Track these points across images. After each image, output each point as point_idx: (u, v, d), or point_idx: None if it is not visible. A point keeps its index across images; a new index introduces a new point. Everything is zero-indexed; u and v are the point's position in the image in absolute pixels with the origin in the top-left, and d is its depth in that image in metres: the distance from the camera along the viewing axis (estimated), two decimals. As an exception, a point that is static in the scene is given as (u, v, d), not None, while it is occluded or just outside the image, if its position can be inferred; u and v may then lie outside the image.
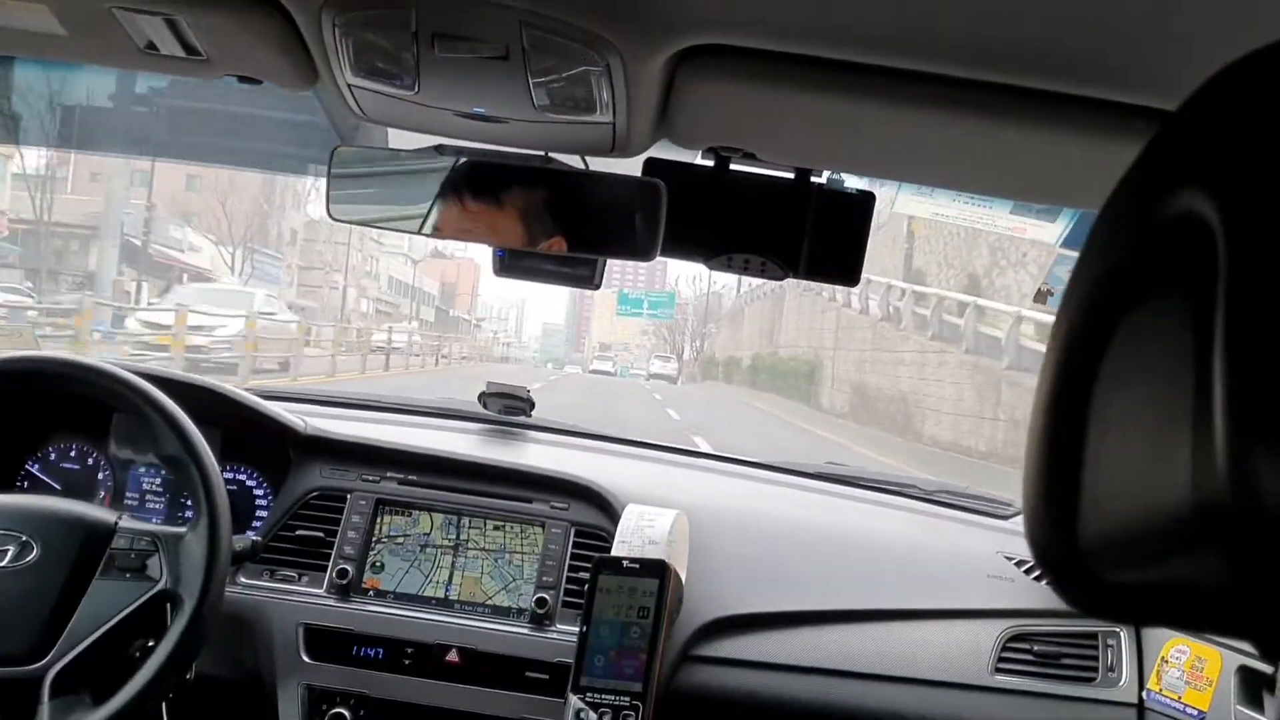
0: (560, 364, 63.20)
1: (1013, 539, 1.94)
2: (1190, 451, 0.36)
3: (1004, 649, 1.67)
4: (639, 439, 2.24)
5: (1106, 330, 0.43)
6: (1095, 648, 1.68)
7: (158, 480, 1.84)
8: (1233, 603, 0.42)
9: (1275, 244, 0.35)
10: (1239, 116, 0.37)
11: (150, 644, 1.44)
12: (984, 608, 1.72)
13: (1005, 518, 2.06)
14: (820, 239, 1.30)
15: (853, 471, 2.22)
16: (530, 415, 2.17)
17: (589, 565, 1.55)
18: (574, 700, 1.44)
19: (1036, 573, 1.80)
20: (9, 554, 1.40)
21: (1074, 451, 0.43)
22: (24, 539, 1.42)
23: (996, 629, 1.69)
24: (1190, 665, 1.57)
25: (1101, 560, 0.43)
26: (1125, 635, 1.69)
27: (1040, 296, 1.63)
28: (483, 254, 1.41)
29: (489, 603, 1.70)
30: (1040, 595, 1.76)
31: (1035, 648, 1.68)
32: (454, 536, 1.75)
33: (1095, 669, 1.66)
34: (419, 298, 56.76)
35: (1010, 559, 1.83)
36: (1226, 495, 0.34)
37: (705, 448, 2.48)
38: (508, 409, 2.15)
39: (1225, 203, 0.36)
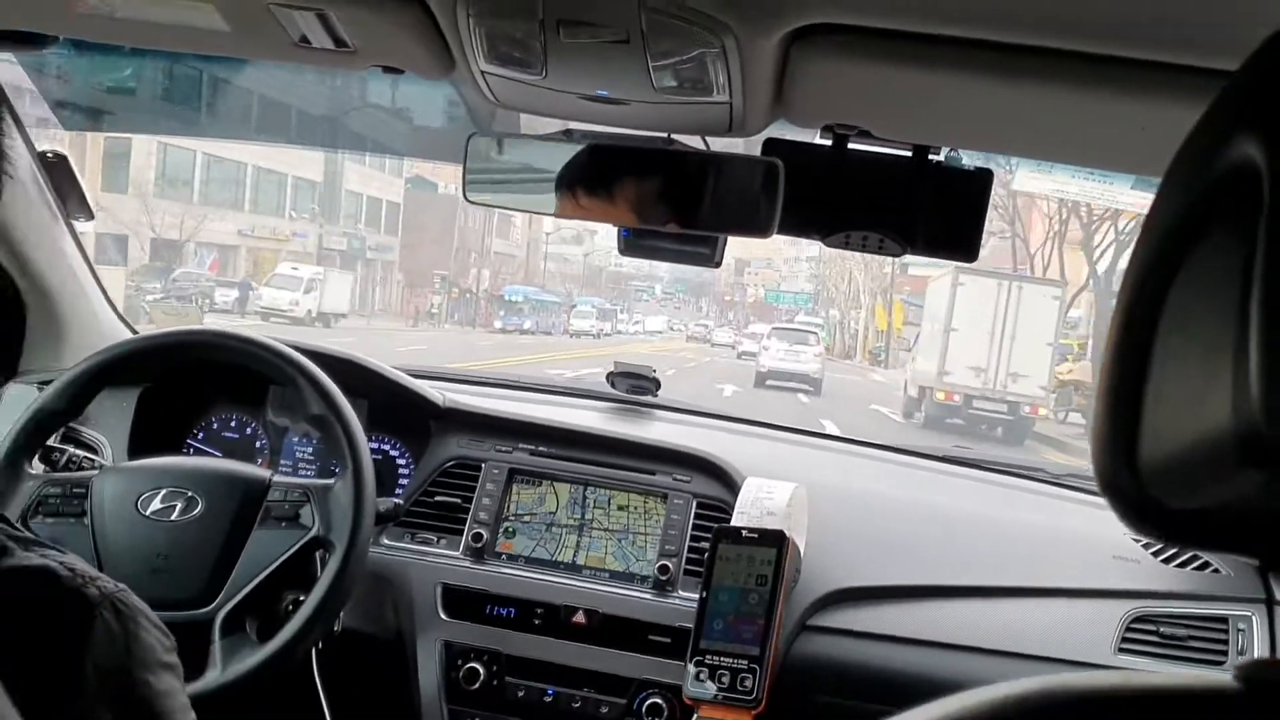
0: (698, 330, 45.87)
1: None
2: (1231, 381, 0.39)
3: (1128, 629, 1.65)
4: (763, 419, 2.28)
5: (1169, 273, 0.46)
6: (1225, 630, 1.65)
7: (309, 449, 1.97)
8: (1276, 525, 0.45)
9: None
10: None
11: (301, 598, 1.57)
12: (1108, 588, 1.71)
13: None
14: (938, 215, 1.32)
15: (978, 455, 2.21)
16: (656, 395, 2.23)
17: (710, 535, 1.60)
18: (692, 665, 1.49)
19: (1165, 555, 1.78)
20: (177, 508, 1.55)
21: (1137, 386, 0.47)
22: (190, 495, 1.56)
23: (1121, 609, 1.67)
24: (1326, 651, 1.52)
25: (1161, 487, 0.47)
26: (1257, 619, 1.65)
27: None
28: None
29: (614, 569, 1.78)
30: (1167, 577, 1.74)
31: (1161, 629, 1.65)
32: (579, 516, 1.82)
33: (1225, 652, 1.63)
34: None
35: (1137, 540, 1.80)
36: (1262, 422, 0.37)
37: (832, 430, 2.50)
38: (634, 389, 2.21)
39: (1273, 147, 0.39)
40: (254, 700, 1.52)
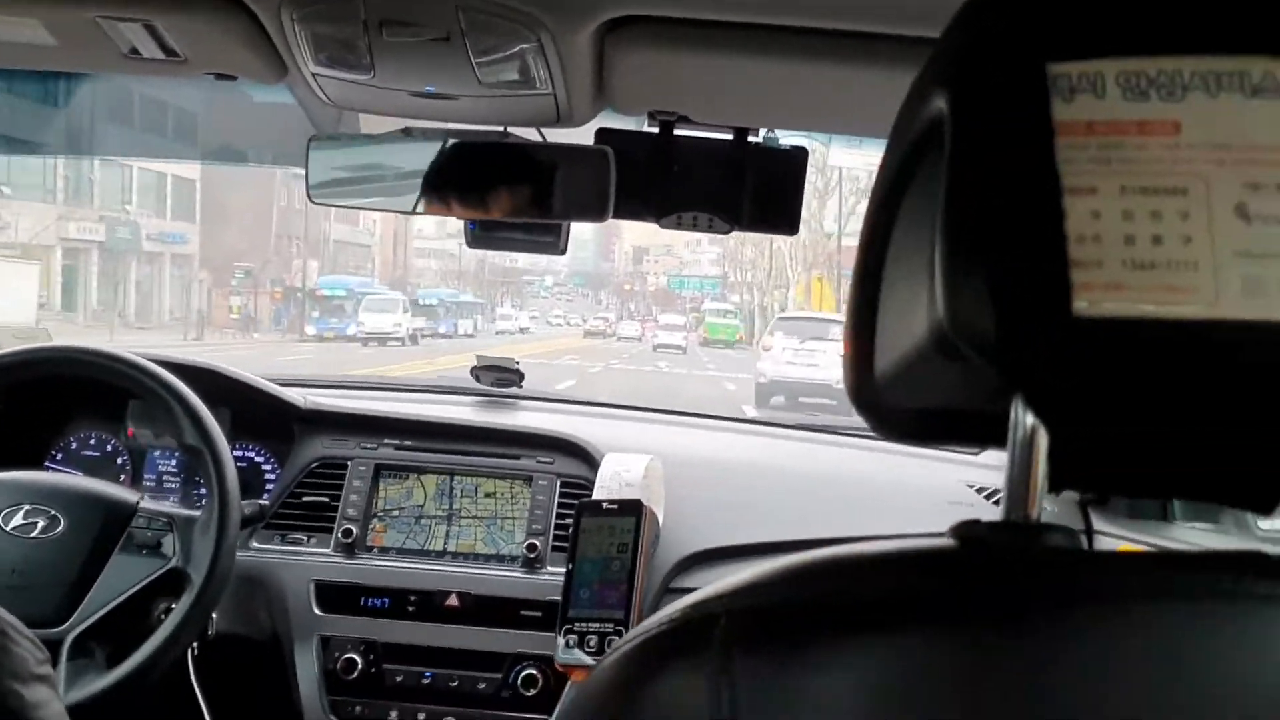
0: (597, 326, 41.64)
1: (979, 471, 2.05)
2: (927, 296, 0.48)
3: None
4: (624, 403, 2.37)
5: (891, 215, 0.55)
6: None
7: (173, 463, 1.97)
8: (975, 415, 0.54)
9: (977, 138, 0.47)
10: (974, 33, 0.49)
11: (172, 606, 1.58)
12: (943, 531, 1.84)
13: (975, 454, 2.18)
14: (760, 194, 1.41)
15: (827, 422, 2.34)
16: (520, 386, 2.29)
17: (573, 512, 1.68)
18: (562, 635, 1.57)
19: (996, 498, 1.92)
20: (38, 526, 1.55)
21: (871, 312, 0.56)
22: (52, 513, 1.56)
23: None
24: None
25: (893, 393, 0.56)
26: None
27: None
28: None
29: (484, 553, 1.84)
30: (996, 516, 1.88)
31: None
32: (447, 506, 1.88)
33: None
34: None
35: (972, 486, 1.95)
36: (946, 322, 0.46)
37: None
38: (499, 381, 2.27)
39: (953, 101, 0.48)
40: (132, 706, 1.53)
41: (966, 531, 0.53)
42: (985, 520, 0.52)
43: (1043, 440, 0.48)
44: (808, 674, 0.48)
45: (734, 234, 1.45)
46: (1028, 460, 0.49)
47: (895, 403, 0.57)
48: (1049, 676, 0.46)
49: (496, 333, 35.66)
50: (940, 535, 0.54)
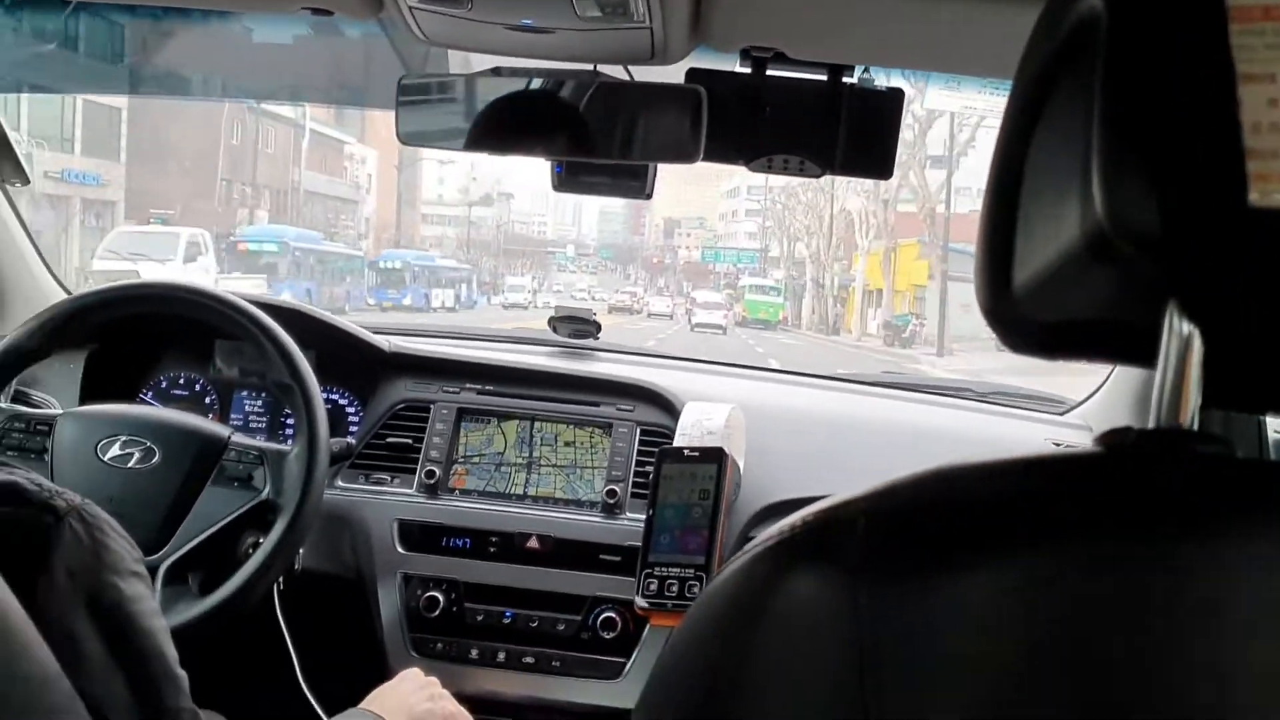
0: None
1: (1064, 430, 2.01)
2: (1079, 200, 0.46)
3: None
4: (702, 358, 2.36)
5: (1030, 125, 0.53)
6: None
7: (259, 403, 2.01)
8: (1120, 326, 0.52)
9: (1138, 32, 0.45)
10: None
11: (259, 541, 1.61)
12: None
13: (1060, 414, 2.13)
14: (854, 136, 1.38)
15: (908, 378, 2.31)
16: (597, 338, 2.29)
17: (653, 461, 1.67)
18: (642, 579, 1.57)
19: None
20: (135, 457, 1.58)
21: (1008, 225, 0.54)
22: (148, 445, 1.60)
23: None
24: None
25: (1033, 306, 0.54)
26: None
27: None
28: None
29: (564, 498, 1.85)
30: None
31: None
32: (527, 454, 1.89)
33: None
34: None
35: (1058, 445, 1.91)
36: (1105, 223, 0.45)
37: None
38: (576, 333, 2.27)
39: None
40: (222, 635, 1.56)
41: (1115, 439, 0.51)
42: (1135, 428, 0.50)
43: (1197, 349, 0.46)
44: (947, 577, 0.47)
45: (782, 200, 1.42)
46: (1181, 369, 0.47)
47: (1031, 316, 0.55)
48: (1193, 585, 0.44)
49: (506, 306, 31.27)
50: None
